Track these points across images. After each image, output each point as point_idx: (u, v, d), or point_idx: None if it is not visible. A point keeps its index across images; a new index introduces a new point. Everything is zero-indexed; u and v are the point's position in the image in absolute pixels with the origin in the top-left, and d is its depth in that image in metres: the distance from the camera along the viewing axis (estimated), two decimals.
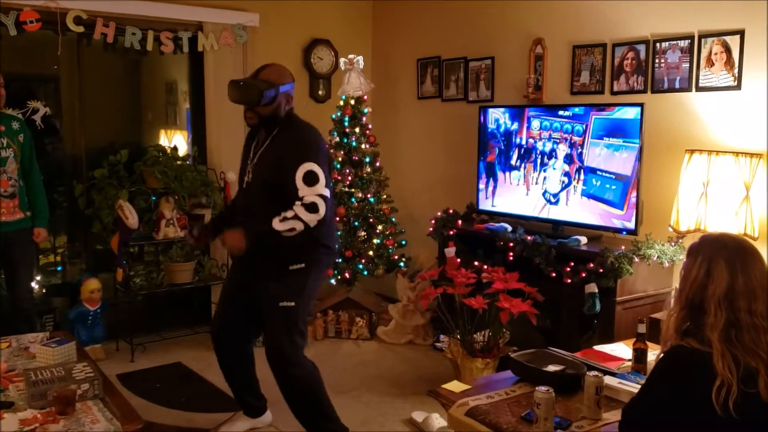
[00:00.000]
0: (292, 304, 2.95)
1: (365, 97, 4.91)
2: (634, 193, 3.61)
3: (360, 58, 4.81)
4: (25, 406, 2.35)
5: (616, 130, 3.67)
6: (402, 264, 4.94)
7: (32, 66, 4.68)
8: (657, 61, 3.73)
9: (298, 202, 2.82)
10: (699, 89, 3.56)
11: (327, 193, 2.86)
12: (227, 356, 3.24)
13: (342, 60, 4.89)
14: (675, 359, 1.81)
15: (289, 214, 2.80)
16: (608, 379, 2.44)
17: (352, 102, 4.85)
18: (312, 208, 2.81)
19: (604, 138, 3.72)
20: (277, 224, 2.80)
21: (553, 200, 4.00)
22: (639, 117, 3.56)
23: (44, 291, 4.64)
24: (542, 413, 2.16)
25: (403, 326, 4.71)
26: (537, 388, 2.18)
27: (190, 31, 4.69)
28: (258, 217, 2.89)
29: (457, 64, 4.95)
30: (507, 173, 4.27)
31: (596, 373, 2.34)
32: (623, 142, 3.64)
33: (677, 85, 3.65)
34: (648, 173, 3.64)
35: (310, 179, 2.83)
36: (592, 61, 4.05)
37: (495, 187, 4.34)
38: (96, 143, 4.83)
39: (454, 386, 2.59)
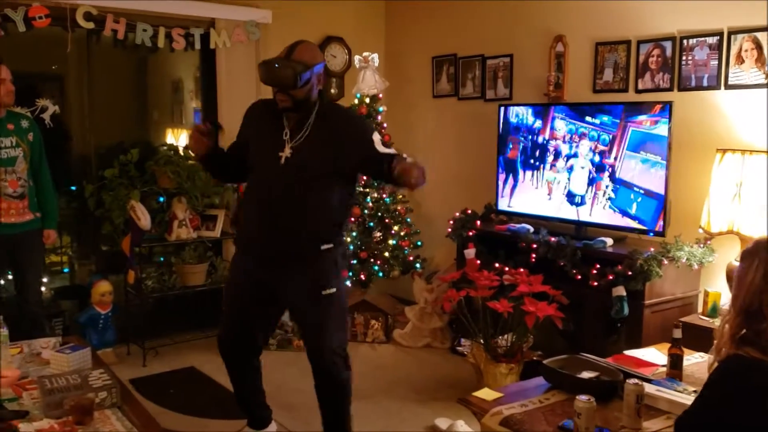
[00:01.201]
0: (334, 290, 2.77)
1: (380, 95, 4.82)
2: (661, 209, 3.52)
3: (375, 56, 4.71)
4: (40, 416, 2.25)
5: (650, 144, 3.54)
6: (418, 265, 4.84)
7: (41, 63, 4.58)
8: (684, 58, 3.63)
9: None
10: (728, 87, 3.47)
11: None
12: (235, 362, 3.06)
13: (357, 57, 4.79)
14: (733, 369, 1.71)
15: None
16: (646, 387, 2.35)
17: (367, 100, 4.75)
18: None
19: (640, 152, 3.59)
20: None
21: (578, 201, 3.90)
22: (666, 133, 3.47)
23: (52, 293, 4.55)
24: (583, 423, 2.07)
25: (420, 329, 4.61)
26: (578, 397, 2.09)
27: (202, 28, 4.61)
28: (312, 206, 2.72)
29: (473, 61, 4.85)
30: (528, 172, 4.17)
31: (636, 380, 2.24)
32: (654, 157, 3.52)
33: (705, 83, 3.55)
34: (676, 173, 3.54)
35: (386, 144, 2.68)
36: (616, 59, 3.95)
37: (515, 185, 4.24)
38: (105, 142, 4.74)
39: (485, 394, 2.50)
